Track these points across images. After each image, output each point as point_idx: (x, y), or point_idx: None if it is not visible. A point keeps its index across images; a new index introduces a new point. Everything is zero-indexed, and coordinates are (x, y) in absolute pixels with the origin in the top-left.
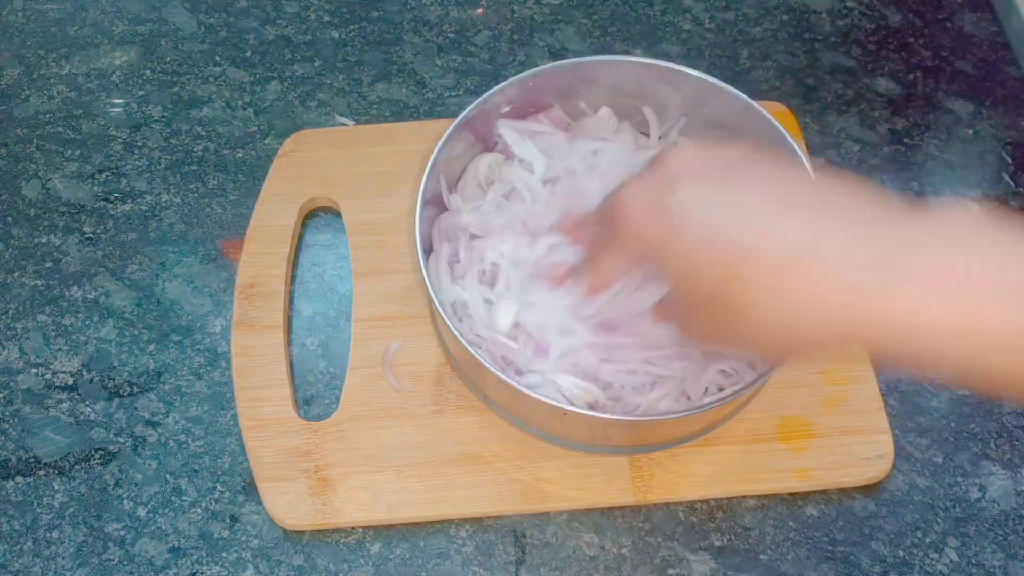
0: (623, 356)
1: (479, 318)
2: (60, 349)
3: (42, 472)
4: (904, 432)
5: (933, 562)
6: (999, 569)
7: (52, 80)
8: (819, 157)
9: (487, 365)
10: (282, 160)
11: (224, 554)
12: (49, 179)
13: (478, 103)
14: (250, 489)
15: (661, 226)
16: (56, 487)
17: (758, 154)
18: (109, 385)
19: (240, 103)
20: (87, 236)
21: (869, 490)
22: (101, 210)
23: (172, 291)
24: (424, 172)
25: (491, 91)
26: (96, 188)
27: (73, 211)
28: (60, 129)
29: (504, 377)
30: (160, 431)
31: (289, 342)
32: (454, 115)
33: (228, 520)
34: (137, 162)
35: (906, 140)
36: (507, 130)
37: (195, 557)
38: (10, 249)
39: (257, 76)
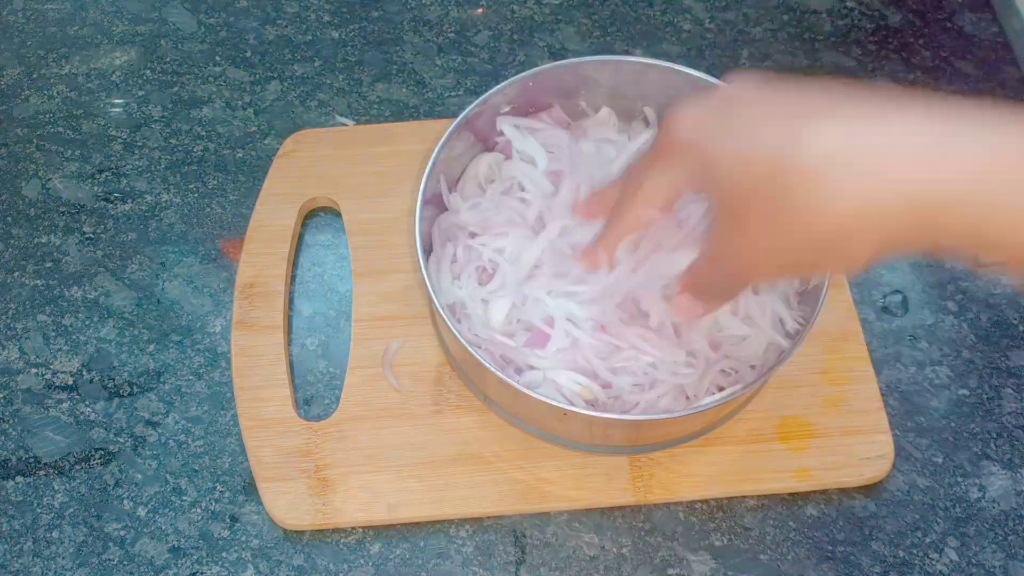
0: (623, 355)
1: (477, 318)
2: (60, 349)
3: (42, 472)
4: (904, 432)
5: (933, 562)
6: (999, 569)
7: (52, 80)
8: None
9: (487, 365)
10: (282, 160)
11: (224, 554)
12: (49, 179)
13: (478, 103)
14: (250, 489)
15: (714, 127)
16: (56, 487)
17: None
18: (109, 385)
19: (240, 103)
20: (87, 236)
21: (869, 490)
22: (101, 210)
23: (172, 291)
24: (424, 172)
25: (491, 91)
26: (96, 188)
27: (73, 211)
28: (60, 129)
29: (504, 377)
30: (160, 431)
31: (289, 342)
32: (454, 115)
33: (228, 520)
34: (137, 162)
35: None
36: (508, 126)
37: (195, 557)
38: (10, 249)
39: (257, 76)
